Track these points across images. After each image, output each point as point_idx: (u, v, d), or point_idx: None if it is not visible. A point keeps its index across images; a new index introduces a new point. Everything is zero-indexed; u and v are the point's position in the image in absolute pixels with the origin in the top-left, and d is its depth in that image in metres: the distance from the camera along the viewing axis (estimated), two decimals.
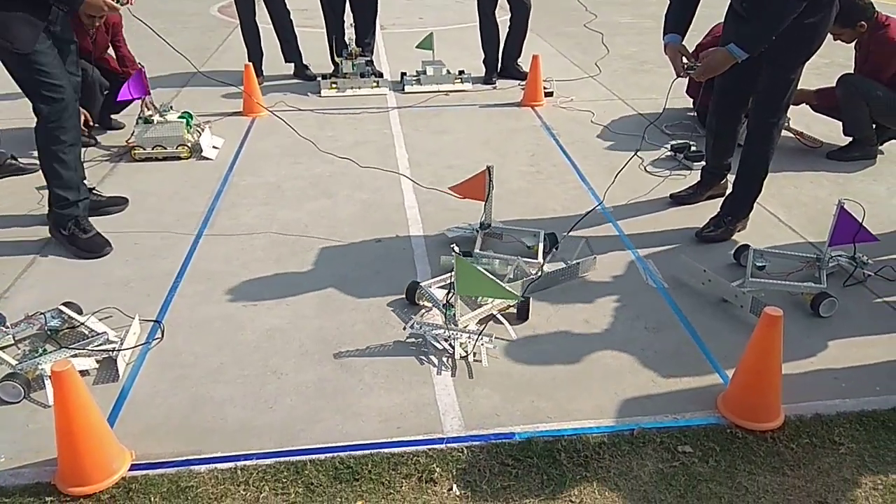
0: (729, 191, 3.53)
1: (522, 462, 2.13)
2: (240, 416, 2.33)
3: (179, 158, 4.48)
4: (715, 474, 2.09)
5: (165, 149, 4.48)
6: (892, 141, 4.55)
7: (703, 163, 3.82)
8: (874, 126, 4.41)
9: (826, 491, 2.03)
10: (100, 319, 2.77)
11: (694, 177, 3.96)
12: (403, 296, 2.95)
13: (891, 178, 4.21)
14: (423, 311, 2.89)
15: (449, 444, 2.20)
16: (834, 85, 4.44)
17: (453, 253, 2.57)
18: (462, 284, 2.60)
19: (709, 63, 3.07)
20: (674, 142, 4.58)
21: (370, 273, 3.19)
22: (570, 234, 3.31)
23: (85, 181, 3.55)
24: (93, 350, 2.56)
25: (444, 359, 2.60)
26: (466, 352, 2.60)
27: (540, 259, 3.10)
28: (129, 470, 2.10)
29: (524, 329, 2.77)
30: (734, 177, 3.45)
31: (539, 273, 2.98)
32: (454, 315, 2.68)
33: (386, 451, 2.17)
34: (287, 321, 2.83)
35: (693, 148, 4.42)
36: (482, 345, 2.62)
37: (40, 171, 3.38)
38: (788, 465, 2.12)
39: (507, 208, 3.75)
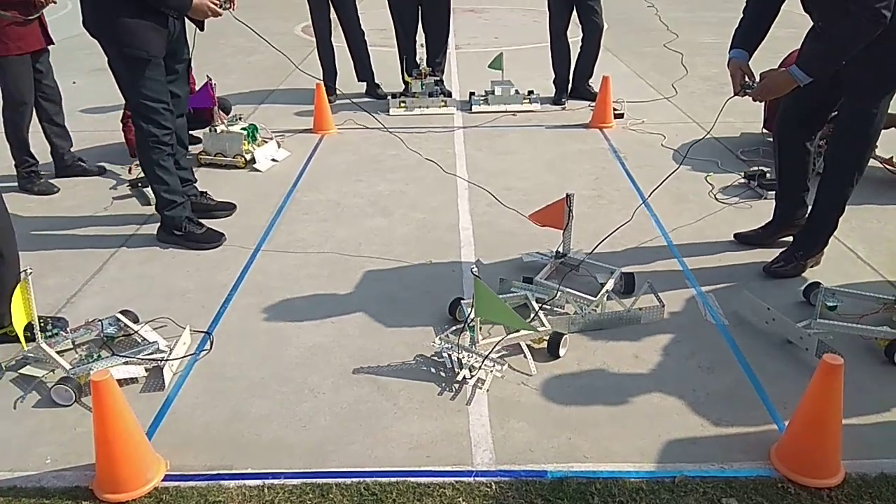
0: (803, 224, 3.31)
1: (552, 503, 2.04)
2: (274, 433, 2.34)
3: (237, 167, 4.65)
4: None
5: (225, 157, 4.66)
6: None
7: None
8: None
9: None
10: (154, 329, 2.87)
11: (764, 208, 3.75)
12: (447, 311, 2.94)
13: None
14: (460, 329, 2.84)
15: (477, 478, 2.13)
16: None
17: (472, 275, 2.52)
18: (480, 308, 2.55)
19: (766, 84, 2.90)
20: (747, 169, 4.37)
21: (418, 294, 3.17)
22: (636, 270, 3.18)
23: (196, 184, 3.91)
24: (143, 358, 2.65)
25: (450, 378, 2.56)
26: (472, 375, 2.54)
27: (596, 298, 2.92)
28: (163, 480, 2.15)
29: (568, 363, 2.67)
30: (809, 209, 3.24)
31: (587, 313, 2.85)
32: (474, 337, 2.63)
33: (413, 480, 2.13)
34: (330, 339, 2.85)
35: (768, 175, 4.20)
36: (490, 371, 2.55)
37: (104, 175, 3.62)
38: None
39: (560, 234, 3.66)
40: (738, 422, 2.36)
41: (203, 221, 3.73)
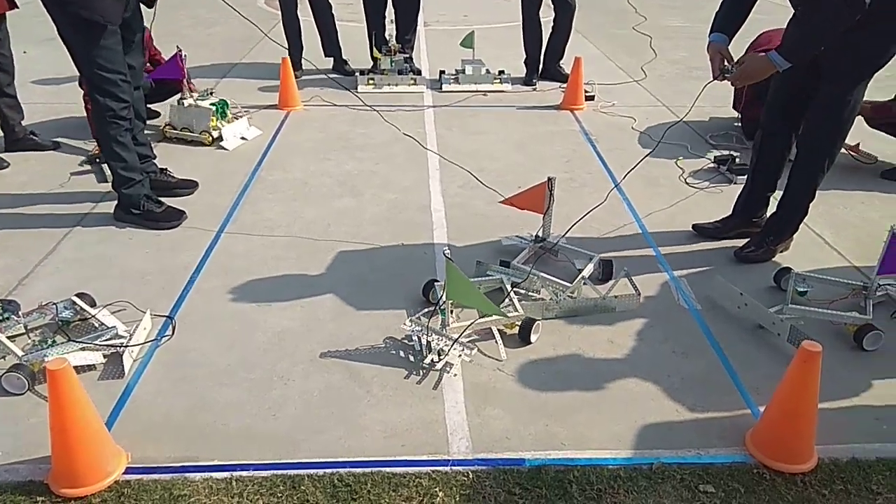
0: (773, 209, 3.31)
1: (531, 492, 2.01)
2: (241, 422, 2.25)
3: (203, 144, 4.48)
4: None
5: (192, 132, 4.50)
6: None
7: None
8: None
9: None
10: (112, 313, 2.74)
11: (734, 193, 3.76)
12: (421, 294, 2.88)
13: None
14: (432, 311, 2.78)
15: (454, 467, 2.09)
16: (892, 98, 4.18)
17: (445, 257, 2.46)
18: (452, 291, 2.50)
19: (746, 68, 2.86)
20: (717, 153, 4.38)
21: (389, 276, 3.09)
22: (610, 255, 3.15)
23: (155, 160, 3.77)
24: (101, 344, 2.52)
25: (418, 362, 2.52)
26: (440, 359, 2.49)
27: (573, 284, 2.87)
28: (124, 473, 2.05)
29: (543, 348, 2.64)
30: (780, 195, 3.25)
31: (560, 299, 2.81)
32: (445, 320, 2.59)
33: (388, 470, 2.07)
34: (300, 323, 2.76)
35: (738, 160, 4.21)
36: (459, 355, 2.51)
37: (58, 149, 3.44)
38: None
39: (535, 217, 3.61)
40: (713, 407, 2.35)
41: (163, 199, 3.58)
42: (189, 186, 3.88)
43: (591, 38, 7.75)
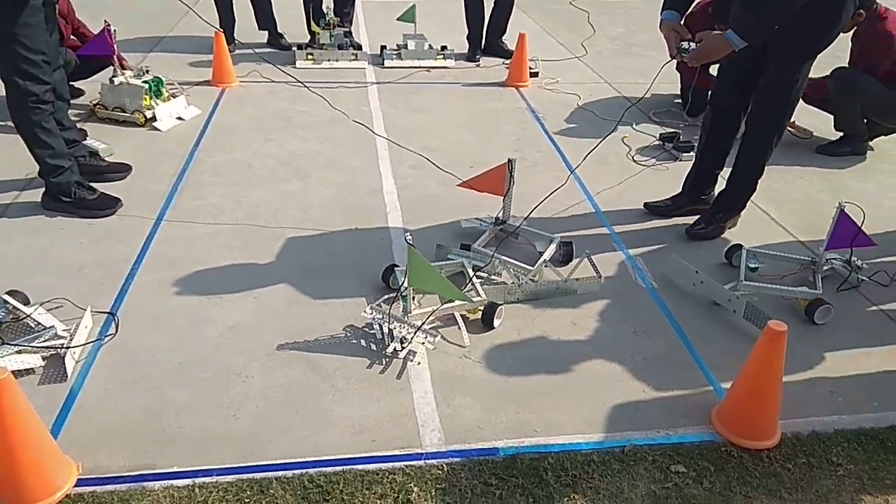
0: (722, 187, 3.37)
1: (507, 482, 1.98)
2: (200, 424, 2.14)
3: (136, 125, 4.22)
4: (710, 498, 1.97)
5: (124, 112, 4.23)
6: (883, 137, 4.46)
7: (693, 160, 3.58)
8: (865, 121, 4.30)
9: None
10: (48, 310, 2.55)
11: (681, 170, 3.81)
12: (380, 279, 2.81)
13: (881, 177, 4.12)
14: (392, 298, 2.71)
15: (428, 461, 2.04)
16: (827, 76, 4.31)
17: (406, 243, 2.39)
18: (413, 277, 2.44)
19: (703, 48, 2.86)
20: (662, 130, 4.43)
21: (345, 263, 2.99)
22: (566, 235, 3.14)
23: (83, 142, 3.55)
24: (39, 346, 2.34)
25: (380, 351, 2.47)
26: (403, 347, 2.44)
27: (534, 268, 2.83)
28: (75, 486, 1.91)
29: (507, 332, 2.61)
30: (728, 172, 3.30)
31: (523, 283, 2.77)
32: (407, 307, 2.53)
33: (360, 467, 2.00)
34: (253, 316, 2.63)
35: (682, 137, 4.28)
36: (420, 343, 2.46)
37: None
38: (786, 489, 2.01)
39: (489, 198, 3.56)
40: (677, 386, 2.39)
41: (95, 185, 3.35)
42: (121, 170, 3.64)
43: (530, 13, 7.70)
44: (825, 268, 2.97)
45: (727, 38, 2.75)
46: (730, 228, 3.37)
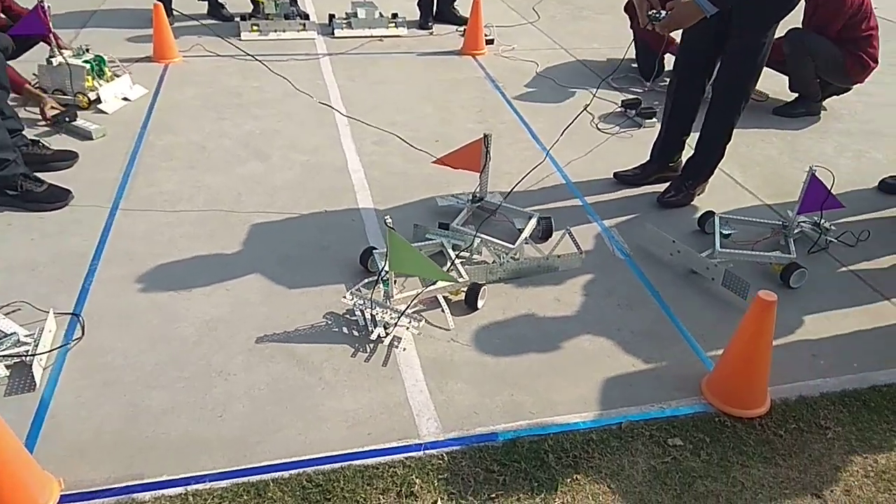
0: (690, 154, 3.39)
1: (508, 467, 1.96)
2: (184, 427, 2.04)
3: (79, 108, 3.96)
4: (708, 469, 1.99)
5: (65, 95, 3.96)
6: (834, 97, 4.55)
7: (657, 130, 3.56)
8: (818, 82, 4.39)
9: (820, 482, 1.97)
10: (6, 315, 2.38)
11: (645, 137, 3.81)
12: (358, 263, 2.72)
13: (836, 136, 4.21)
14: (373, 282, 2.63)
15: (427, 451, 2.00)
16: (782, 37, 4.35)
17: (385, 225, 2.31)
18: (395, 260, 2.37)
19: (674, 15, 2.83)
20: (624, 97, 4.42)
21: (317, 249, 2.89)
22: (538, 209, 3.09)
23: (23, 131, 3.34)
24: (2, 354, 2.18)
25: (364, 338, 2.41)
26: (387, 333, 2.39)
27: (515, 246, 2.78)
28: (59, 502, 1.79)
29: (492, 312, 2.57)
30: (696, 139, 3.31)
31: (504, 262, 2.72)
32: (389, 291, 2.47)
33: (358, 462, 1.95)
34: (228, 310, 2.52)
35: (644, 104, 4.27)
36: (405, 328, 2.42)
37: None
38: (780, 455, 2.05)
39: (459, 173, 3.49)
40: (665, 358, 2.40)
41: (40, 176, 3.14)
42: (67, 158, 3.42)
43: None
44: (795, 231, 3.02)
45: (698, 4, 2.72)
46: (699, 195, 3.39)
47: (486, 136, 2.90)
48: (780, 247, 2.97)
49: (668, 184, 3.39)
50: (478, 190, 3.09)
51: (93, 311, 2.47)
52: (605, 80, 4.01)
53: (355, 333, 2.42)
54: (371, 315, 2.45)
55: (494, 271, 2.71)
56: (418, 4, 5.79)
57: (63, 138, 3.66)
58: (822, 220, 3.04)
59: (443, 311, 2.55)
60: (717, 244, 2.86)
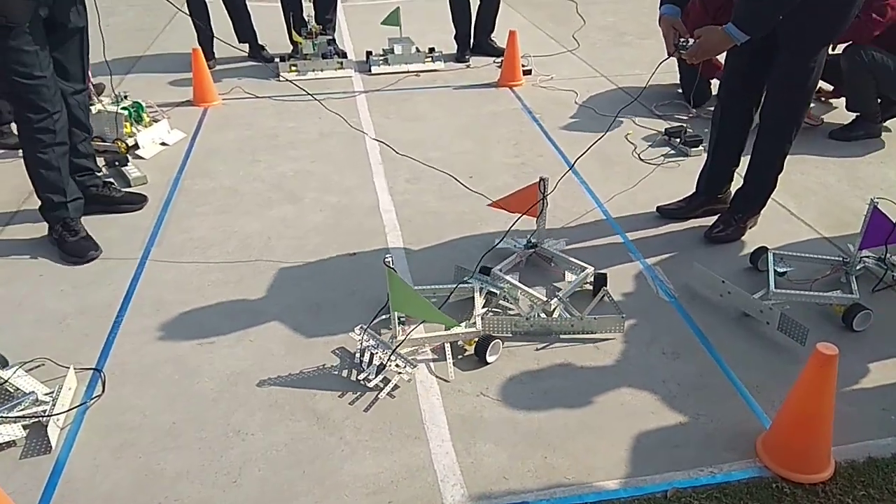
0: (739, 185, 3.18)
1: None
2: (198, 494, 1.94)
3: (118, 154, 4.00)
4: None
5: (104, 142, 4.01)
6: None
7: (704, 155, 3.38)
8: (878, 100, 4.11)
9: None
10: (29, 371, 2.35)
11: (691, 167, 3.62)
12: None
13: None
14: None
15: None
16: (838, 54, 4.10)
17: (385, 266, 2.22)
18: (395, 301, 2.28)
19: (702, 44, 2.66)
20: (667, 125, 4.23)
21: (345, 294, 2.79)
22: (576, 247, 2.94)
23: (99, 175, 3.40)
24: (19, 415, 2.14)
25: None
26: (375, 376, 2.29)
27: (547, 299, 2.59)
28: None
29: (527, 361, 2.42)
30: (745, 169, 3.11)
31: (531, 316, 2.53)
32: (394, 332, 2.39)
33: None
34: (251, 362, 2.44)
35: (689, 131, 4.08)
36: (398, 372, 2.31)
37: None
38: None
39: (492, 211, 3.36)
40: (715, 414, 2.19)
41: (105, 218, 3.27)
42: (136, 202, 3.48)
43: (516, 6, 7.49)
44: (858, 268, 2.78)
45: (727, 32, 2.56)
46: (750, 228, 3.17)
47: (542, 179, 2.74)
48: (842, 285, 2.73)
49: (716, 217, 3.18)
50: (534, 236, 2.93)
51: (115, 366, 2.43)
52: (634, 100, 3.83)
53: (353, 377, 2.33)
54: (370, 355, 2.36)
55: (520, 325, 2.53)
56: (455, 38, 5.74)
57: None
58: (889, 255, 2.79)
59: (447, 360, 2.41)
60: (772, 284, 2.65)
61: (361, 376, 2.31)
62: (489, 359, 2.40)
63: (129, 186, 3.67)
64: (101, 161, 3.85)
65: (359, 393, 2.28)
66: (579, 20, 6.77)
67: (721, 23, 2.61)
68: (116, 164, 3.80)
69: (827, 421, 1.91)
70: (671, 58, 2.90)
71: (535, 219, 2.87)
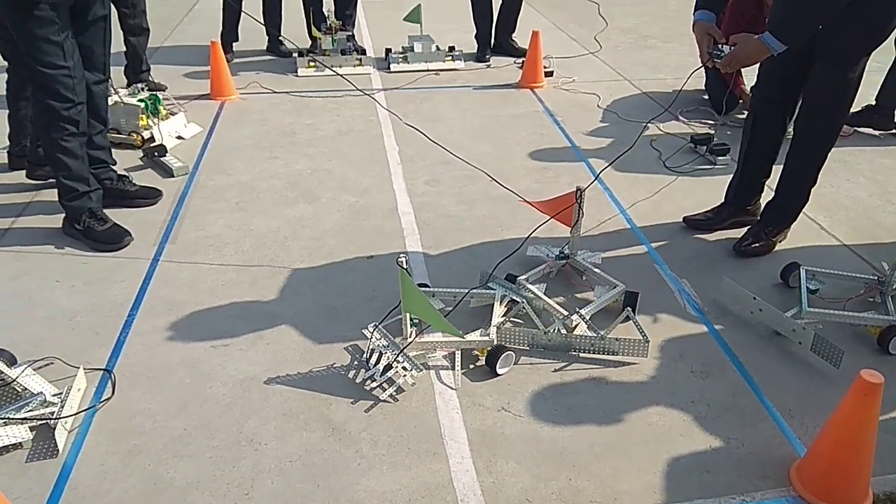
0: (769, 197, 3.08)
1: None
2: None
3: (133, 146, 3.94)
4: None
5: (120, 133, 3.95)
6: None
7: (731, 169, 3.27)
8: None
9: None
10: (37, 370, 2.28)
11: (719, 176, 3.52)
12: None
13: None
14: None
15: None
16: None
17: (398, 266, 2.17)
18: (406, 302, 2.24)
19: (737, 53, 2.56)
20: (694, 132, 4.13)
21: (361, 300, 2.72)
22: (604, 257, 2.85)
23: (114, 168, 3.35)
24: (26, 416, 2.08)
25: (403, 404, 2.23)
26: (379, 377, 2.25)
27: (572, 314, 2.48)
28: None
29: (550, 375, 2.33)
30: (777, 182, 3.01)
31: (550, 331, 2.42)
32: (405, 333, 2.35)
33: None
34: (265, 368, 2.36)
35: (716, 139, 3.98)
36: (402, 375, 2.25)
37: None
38: None
39: (513, 216, 3.29)
40: (748, 438, 2.10)
41: (122, 211, 3.20)
42: (151, 196, 3.42)
43: (538, 7, 7.39)
44: (894, 287, 2.67)
45: (764, 42, 2.46)
46: (780, 242, 3.08)
47: (578, 189, 2.62)
48: (876, 305, 2.63)
49: (745, 230, 3.09)
50: (568, 246, 2.84)
51: (125, 367, 2.36)
52: (665, 110, 3.74)
53: (357, 379, 2.28)
54: (378, 354, 2.32)
55: (538, 339, 2.45)
56: (476, 37, 5.65)
57: (149, 173, 3.70)
58: None
59: (454, 367, 2.35)
60: (805, 303, 2.55)
61: (366, 376, 2.26)
62: (500, 370, 2.32)
63: (172, 176, 3.64)
64: (139, 153, 3.83)
65: (375, 402, 2.20)
66: (601, 22, 6.68)
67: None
68: (156, 154, 3.75)
69: (868, 451, 1.82)
70: (704, 66, 2.81)
71: (570, 229, 2.77)
